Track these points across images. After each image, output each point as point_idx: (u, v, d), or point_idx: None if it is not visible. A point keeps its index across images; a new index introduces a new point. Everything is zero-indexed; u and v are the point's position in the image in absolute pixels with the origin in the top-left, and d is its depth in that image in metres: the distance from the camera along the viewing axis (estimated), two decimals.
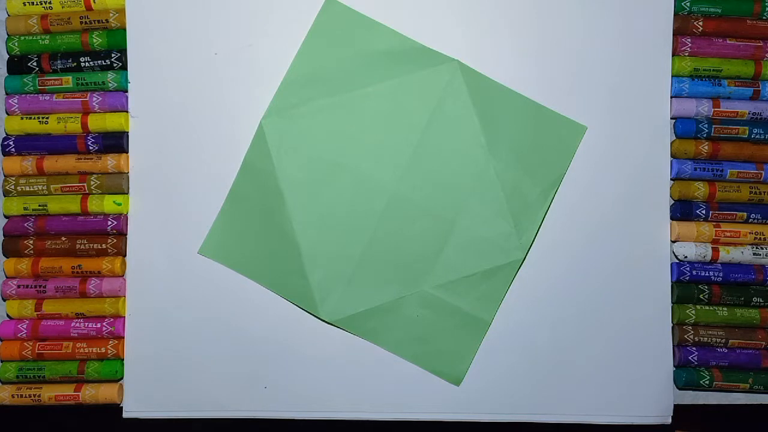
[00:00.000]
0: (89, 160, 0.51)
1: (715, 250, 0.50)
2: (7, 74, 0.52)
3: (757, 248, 0.50)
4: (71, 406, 0.50)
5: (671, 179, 0.51)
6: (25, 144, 0.51)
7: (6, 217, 0.51)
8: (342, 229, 0.49)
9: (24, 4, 0.51)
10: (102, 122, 0.51)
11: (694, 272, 0.50)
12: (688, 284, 0.50)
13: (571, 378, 0.50)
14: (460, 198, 0.49)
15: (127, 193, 0.51)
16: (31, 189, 0.51)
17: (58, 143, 0.51)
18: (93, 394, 0.50)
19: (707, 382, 0.49)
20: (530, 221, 0.49)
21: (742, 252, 0.50)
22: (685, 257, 0.50)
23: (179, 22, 0.51)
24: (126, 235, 0.51)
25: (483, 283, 0.49)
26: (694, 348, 0.50)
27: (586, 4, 0.51)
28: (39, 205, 0.51)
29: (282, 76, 0.50)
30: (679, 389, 0.51)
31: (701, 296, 0.50)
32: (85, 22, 0.51)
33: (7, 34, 0.51)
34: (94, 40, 0.51)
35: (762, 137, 0.50)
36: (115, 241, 0.50)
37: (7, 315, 0.51)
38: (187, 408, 0.50)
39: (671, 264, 0.50)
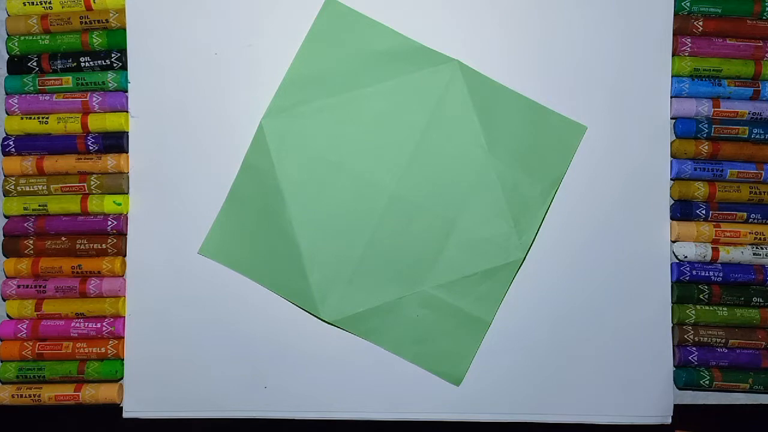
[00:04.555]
0: (89, 160, 0.51)
1: (715, 250, 0.50)
2: (7, 74, 0.52)
3: (757, 248, 0.50)
4: (71, 406, 0.50)
5: (671, 179, 0.51)
6: (25, 144, 0.51)
7: (6, 217, 0.51)
8: (342, 229, 0.49)
9: (24, 4, 0.51)
10: (102, 122, 0.51)
11: (694, 272, 0.50)
12: (688, 284, 0.50)
13: (571, 378, 0.50)
14: (460, 198, 0.49)
15: (127, 193, 0.51)
16: (31, 189, 0.51)
17: (58, 143, 0.51)
18: (93, 394, 0.50)
19: (707, 382, 0.49)
20: (530, 221, 0.49)
21: (742, 252, 0.50)
22: (685, 257, 0.50)
23: (179, 22, 0.51)
24: (126, 235, 0.51)
25: (483, 283, 0.49)
26: (694, 348, 0.50)
27: (586, 5, 0.51)
28: (39, 205, 0.51)
29: (282, 76, 0.50)
30: (679, 389, 0.51)
31: (701, 296, 0.50)
32: (85, 22, 0.51)
33: (7, 34, 0.51)
34: (94, 40, 0.51)
35: (762, 137, 0.50)
36: (115, 241, 0.50)
37: (7, 315, 0.51)
38: (187, 408, 0.50)
39: (671, 264, 0.50)
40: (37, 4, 0.51)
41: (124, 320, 0.51)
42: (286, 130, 0.49)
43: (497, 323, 0.50)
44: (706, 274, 0.50)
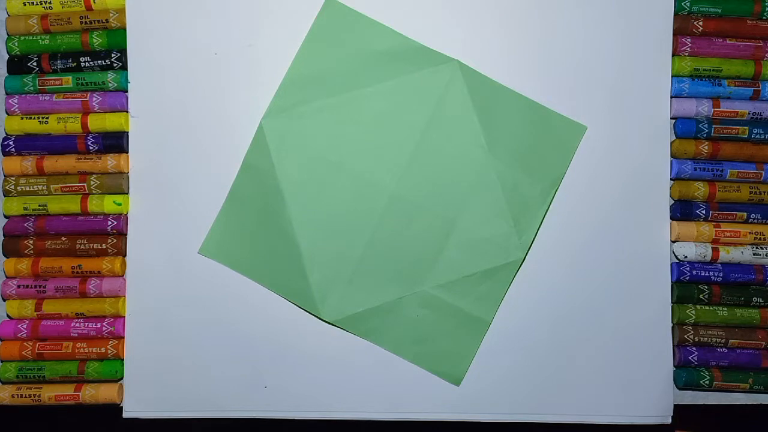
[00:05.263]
0: (89, 160, 0.51)
1: (715, 250, 0.50)
2: (7, 74, 0.52)
3: (757, 248, 0.50)
4: (71, 406, 0.50)
5: (671, 179, 0.51)
6: (25, 144, 0.51)
7: (6, 217, 0.51)
8: (342, 229, 0.49)
9: (24, 4, 0.51)
10: (102, 122, 0.51)
11: (694, 272, 0.50)
12: (688, 284, 0.50)
13: (571, 378, 0.50)
14: (460, 198, 0.49)
15: (127, 193, 0.51)
16: (31, 189, 0.51)
17: (58, 143, 0.51)
18: (93, 394, 0.50)
19: (707, 382, 0.49)
20: (530, 221, 0.49)
21: (742, 252, 0.50)
22: (685, 257, 0.50)
23: (179, 22, 0.51)
24: (126, 235, 0.51)
25: (483, 283, 0.49)
26: (694, 348, 0.50)
27: (586, 5, 0.51)
28: (39, 205, 0.51)
29: (282, 76, 0.50)
30: (679, 389, 0.51)
31: (701, 296, 0.50)
32: (85, 22, 0.51)
33: (7, 34, 0.51)
34: (94, 40, 0.51)
35: (762, 137, 0.50)
36: (115, 241, 0.50)
37: (7, 315, 0.51)
38: (187, 408, 0.50)
39: (671, 264, 0.50)
40: (37, 4, 0.51)
41: (124, 320, 0.51)
42: (286, 130, 0.49)
43: (497, 323, 0.50)
44: (706, 274, 0.50)
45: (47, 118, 0.51)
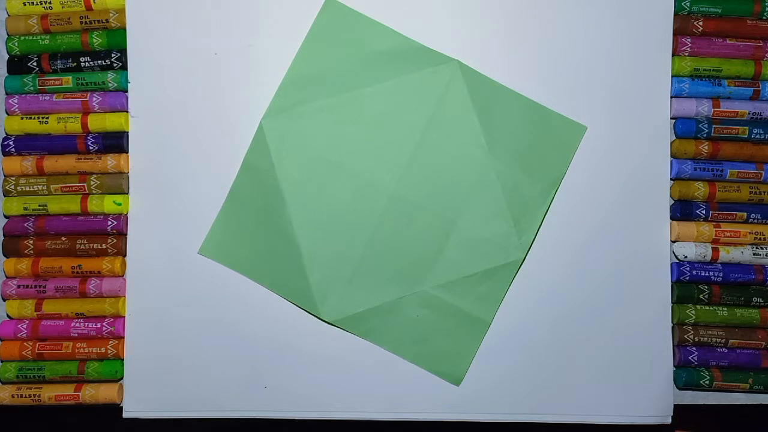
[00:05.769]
0: (89, 160, 0.51)
1: (715, 250, 0.50)
2: (7, 74, 0.52)
3: (757, 248, 0.50)
4: (71, 406, 0.50)
5: (671, 179, 0.51)
6: (25, 144, 0.51)
7: (6, 217, 0.51)
8: (342, 229, 0.49)
9: (24, 4, 0.51)
10: (102, 122, 0.51)
11: (694, 272, 0.50)
12: (688, 284, 0.50)
13: (571, 378, 0.50)
14: (460, 198, 0.49)
15: (127, 193, 0.51)
16: (31, 189, 0.51)
17: (58, 143, 0.51)
18: (93, 394, 0.50)
19: (707, 382, 0.49)
20: (530, 221, 0.49)
21: (742, 252, 0.50)
22: (685, 257, 0.50)
23: (179, 22, 0.51)
24: (126, 235, 0.51)
25: (483, 283, 0.49)
26: (694, 348, 0.50)
27: (586, 5, 0.51)
28: (39, 205, 0.51)
29: (282, 76, 0.50)
30: (679, 389, 0.51)
31: (701, 296, 0.50)
32: (85, 22, 0.51)
33: (7, 34, 0.51)
34: (94, 40, 0.51)
35: (762, 137, 0.50)
36: (115, 241, 0.50)
37: (7, 315, 0.51)
38: (187, 408, 0.50)
39: (671, 264, 0.50)
40: (37, 4, 0.51)
41: (124, 320, 0.51)
42: (286, 130, 0.49)
43: (497, 323, 0.50)
44: (706, 274, 0.50)
45: (47, 118, 0.51)
